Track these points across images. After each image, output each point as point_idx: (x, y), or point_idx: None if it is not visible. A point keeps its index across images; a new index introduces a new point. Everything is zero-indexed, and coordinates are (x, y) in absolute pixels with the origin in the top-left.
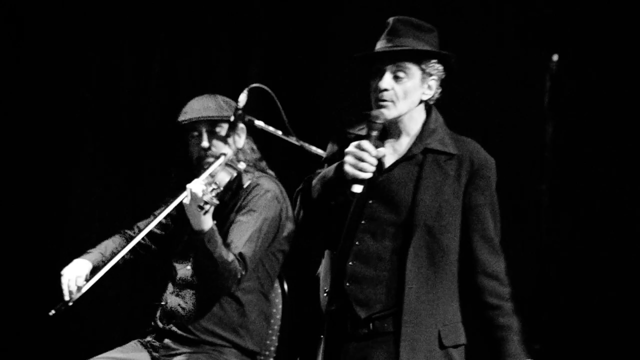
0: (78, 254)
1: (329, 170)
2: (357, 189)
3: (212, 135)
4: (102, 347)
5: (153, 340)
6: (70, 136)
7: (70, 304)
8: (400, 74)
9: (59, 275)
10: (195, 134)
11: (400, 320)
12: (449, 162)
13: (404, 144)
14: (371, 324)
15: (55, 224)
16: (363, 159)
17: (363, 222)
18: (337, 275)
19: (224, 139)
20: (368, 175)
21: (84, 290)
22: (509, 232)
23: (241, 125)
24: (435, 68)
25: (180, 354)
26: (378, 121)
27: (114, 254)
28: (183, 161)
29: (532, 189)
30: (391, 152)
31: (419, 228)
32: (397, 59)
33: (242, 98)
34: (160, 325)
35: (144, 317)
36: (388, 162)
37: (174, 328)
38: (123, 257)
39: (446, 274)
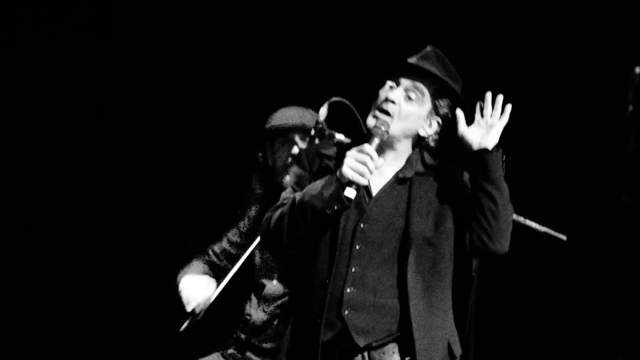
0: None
1: (319, 181)
2: (351, 193)
3: (304, 144)
4: (184, 358)
5: (235, 353)
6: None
7: (200, 316)
8: (413, 96)
9: (176, 292)
10: (287, 141)
11: (413, 338)
12: (439, 177)
13: (390, 167)
14: (367, 354)
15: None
16: (365, 162)
17: (357, 247)
18: (332, 303)
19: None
20: (365, 181)
21: (212, 300)
22: (591, 245)
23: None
24: (446, 110)
25: None
26: (383, 128)
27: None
28: (264, 169)
29: (614, 200)
30: (377, 174)
31: (417, 242)
32: (417, 78)
33: (323, 111)
34: (243, 338)
35: (225, 329)
36: (375, 185)
37: (257, 341)
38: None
39: (445, 282)
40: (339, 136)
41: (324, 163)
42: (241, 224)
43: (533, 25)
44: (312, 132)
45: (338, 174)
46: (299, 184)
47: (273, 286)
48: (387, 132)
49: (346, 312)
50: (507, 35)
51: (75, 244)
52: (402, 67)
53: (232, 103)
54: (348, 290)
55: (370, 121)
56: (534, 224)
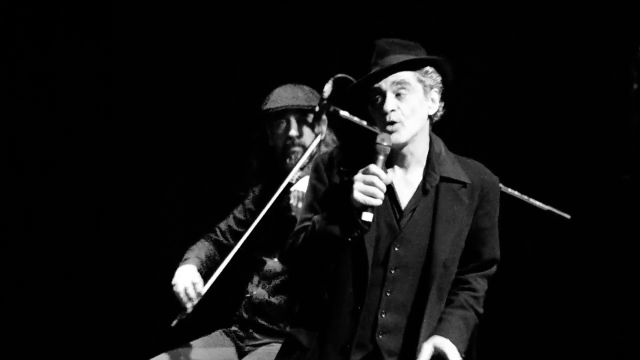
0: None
1: (334, 206)
2: (368, 217)
3: (300, 124)
4: (186, 335)
5: (238, 330)
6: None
7: (189, 311)
8: (402, 91)
9: (170, 286)
10: (283, 122)
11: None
12: (463, 189)
13: (415, 173)
14: None
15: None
16: (373, 183)
17: (392, 271)
18: (365, 327)
19: (311, 129)
20: (378, 202)
21: (203, 294)
22: (592, 223)
23: (324, 117)
24: (434, 79)
25: (265, 344)
26: (384, 143)
27: (209, 258)
28: (263, 150)
29: (615, 179)
30: (404, 185)
31: (439, 266)
32: (391, 73)
33: (327, 88)
34: (245, 316)
35: (228, 307)
36: (404, 195)
37: (259, 319)
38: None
39: (445, 301)
40: (344, 113)
41: (342, 174)
42: (246, 202)
43: (533, 11)
44: (317, 109)
45: (350, 199)
46: (317, 198)
47: (273, 263)
48: (390, 146)
49: (380, 337)
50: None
51: (76, 244)
52: (373, 78)
53: (232, 103)
54: (383, 315)
55: (377, 139)
56: (537, 203)
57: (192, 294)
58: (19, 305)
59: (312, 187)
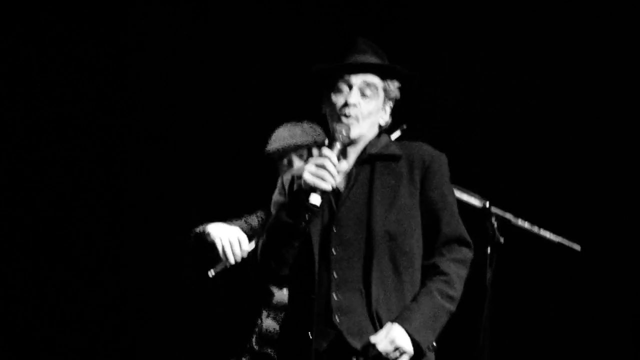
0: None
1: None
2: (316, 199)
3: (303, 160)
4: None
5: None
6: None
7: (229, 265)
8: (367, 92)
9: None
10: (285, 162)
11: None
12: (399, 164)
13: (351, 162)
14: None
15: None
16: (324, 166)
17: (334, 252)
18: (322, 311)
19: None
20: (327, 186)
21: (246, 252)
22: (619, 258)
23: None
24: (395, 93)
25: None
26: (344, 133)
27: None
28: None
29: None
30: (342, 174)
31: (380, 237)
32: (364, 73)
33: None
34: (256, 347)
35: (238, 339)
36: (341, 183)
37: (270, 351)
38: None
39: (412, 280)
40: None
41: (294, 179)
42: (258, 212)
43: (541, 24)
44: (326, 142)
45: (301, 182)
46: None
47: (282, 294)
48: (349, 136)
49: (337, 319)
50: (511, 36)
51: (83, 246)
52: (346, 67)
53: (247, 117)
54: (335, 297)
55: (336, 127)
56: (548, 234)
57: (237, 251)
58: (20, 305)
59: (274, 202)
